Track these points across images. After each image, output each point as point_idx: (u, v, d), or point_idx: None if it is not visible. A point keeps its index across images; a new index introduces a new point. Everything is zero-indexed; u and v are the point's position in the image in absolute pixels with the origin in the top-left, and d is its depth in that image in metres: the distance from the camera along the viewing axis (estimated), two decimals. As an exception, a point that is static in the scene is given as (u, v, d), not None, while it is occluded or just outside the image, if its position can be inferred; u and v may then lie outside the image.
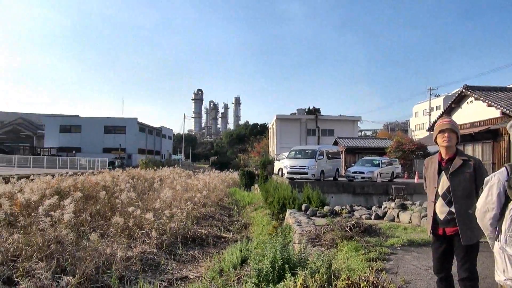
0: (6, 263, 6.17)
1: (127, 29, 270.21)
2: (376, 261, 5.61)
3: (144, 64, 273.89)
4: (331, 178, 21.63)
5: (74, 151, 58.85)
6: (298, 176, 19.92)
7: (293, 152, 22.12)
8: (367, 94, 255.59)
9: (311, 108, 64.47)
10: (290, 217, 10.59)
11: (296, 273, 4.36)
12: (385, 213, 10.46)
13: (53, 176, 16.86)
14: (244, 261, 7.74)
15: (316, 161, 20.01)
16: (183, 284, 6.85)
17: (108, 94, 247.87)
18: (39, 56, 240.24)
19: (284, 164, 21.93)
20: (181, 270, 7.78)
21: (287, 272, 4.33)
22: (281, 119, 48.81)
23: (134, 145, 63.14)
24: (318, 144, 41.80)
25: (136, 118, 65.47)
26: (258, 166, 34.69)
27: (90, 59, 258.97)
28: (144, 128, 69.14)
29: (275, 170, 26.68)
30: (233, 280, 6.42)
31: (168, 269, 7.70)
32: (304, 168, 19.79)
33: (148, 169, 34.74)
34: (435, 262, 3.67)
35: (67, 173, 19.40)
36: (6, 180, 13.94)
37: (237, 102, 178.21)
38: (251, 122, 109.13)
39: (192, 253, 9.13)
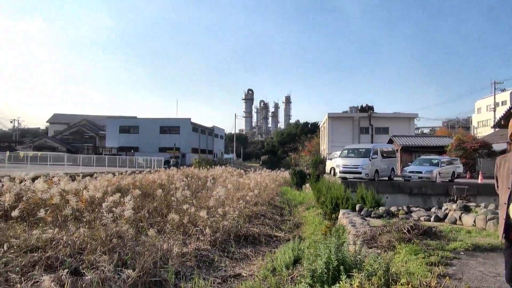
0: (73, 255, 6.58)
1: (180, 32, 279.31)
2: (437, 266, 5.31)
3: (197, 66, 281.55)
4: (386, 178, 20.89)
5: (132, 151, 61.98)
6: (351, 176, 19.46)
7: (346, 151, 21.64)
8: (423, 90, 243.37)
9: (364, 105, 62.75)
10: (344, 217, 10.35)
11: (351, 275, 4.23)
12: (446, 215, 9.90)
13: (114, 174, 17.81)
14: (296, 260, 7.68)
15: (370, 160, 19.42)
16: (236, 282, 6.92)
17: (163, 95, 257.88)
18: (101, 60, 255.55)
19: (336, 163, 21.53)
20: (234, 267, 7.87)
21: (342, 273, 4.22)
22: (332, 117, 47.97)
23: (187, 144, 65.18)
24: (372, 142, 40.59)
25: (190, 119, 67.54)
26: (309, 165, 34.36)
27: (147, 62, 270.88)
28: (197, 128, 71.11)
29: (327, 169, 26.27)
30: (286, 279, 6.39)
31: (222, 266, 7.82)
32: (358, 168, 19.29)
33: (201, 168, 35.65)
34: (508, 270, 3.37)
35: (126, 171, 20.40)
36: (73, 177, 14.93)
37: (288, 101, 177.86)
38: (301, 121, 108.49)
39: (245, 251, 9.22)
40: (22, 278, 5.46)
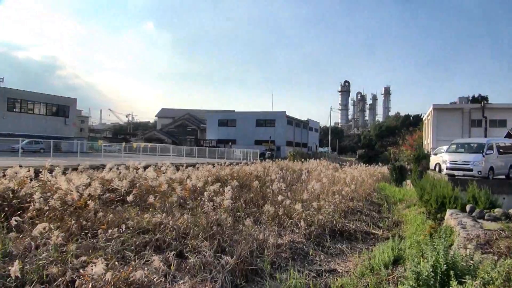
0: (178, 239, 7.11)
1: (276, 26, 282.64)
2: None
3: (292, 59, 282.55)
4: (503, 176, 18.54)
5: (230, 143, 64.85)
6: (460, 173, 17.68)
7: (454, 146, 19.72)
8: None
9: (475, 96, 56.55)
10: (451, 218, 9.45)
11: (463, 282, 3.81)
12: None
13: (213, 165, 18.80)
14: (396, 260, 7.24)
15: (483, 156, 17.42)
16: (331, 277, 6.78)
17: (259, 89, 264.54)
18: (205, 59, 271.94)
19: (442, 158, 19.75)
20: (329, 262, 7.73)
21: (452, 279, 3.82)
22: (438, 109, 44.10)
23: (282, 137, 65.96)
24: (485, 136, 36.44)
25: (285, 112, 68.22)
26: (411, 161, 32.23)
27: (245, 57, 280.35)
28: (292, 121, 71.51)
29: (431, 165, 24.30)
30: (385, 279, 6.05)
31: (316, 260, 7.74)
32: (468, 164, 17.44)
33: (295, 161, 35.76)
34: None
35: (225, 163, 21.37)
36: (177, 167, 16.14)
37: (387, 92, 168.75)
38: (402, 114, 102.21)
39: (340, 246, 9.00)
40: (136, 256, 6.06)
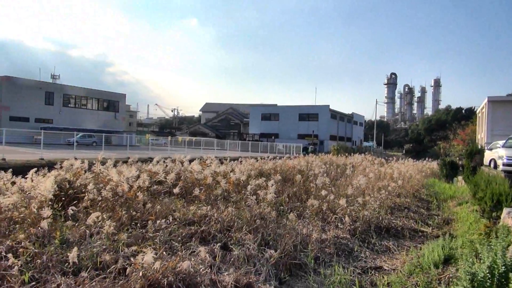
0: (222, 231, 7.24)
1: (318, 19, 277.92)
2: None
3: (335, 52, 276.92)
4: None
5: (273, 137, 64.91)
6: (518, 170, 16.56)
7: (512, 140, 18.49)
8: None
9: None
10: (509, 217, 8.89)
11: (524, 286, 3.57)
12: None
13: (256, 159, 18.90)
14: (446, 260, 6.93)
15: (544, 151, 16.21)
16: (377, 274, 6.61)
17: (302, 82, 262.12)
18: (247, 53, 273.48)
19: (498, 154, 18.57)
20: (374, 259, 7.54)
21: (511, 281, 3.59)
22: (494, 101, 41.44)
23: (326, 131, 65.09)
24: (547, 130, 33.87)
25: (328, 106, 67.22)
26: (463, 156, 30.69)
27: (287, 51, 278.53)
28: (335, 115, 70.33)
29: (485, 161, 22.92)
30: (436, 279, 5.81)
31: (362, 256, 7.57)
32: (527, 160, 16.30)
33: (339, 155, 35.17)
34: None
35: (267, 157, 21.42)
36: (221, 161, 16.38)
37: (437, 84, 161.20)
38: (453, 106, 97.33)
39: (386, 243, 8.74)
40: (182, 247, 6.23)
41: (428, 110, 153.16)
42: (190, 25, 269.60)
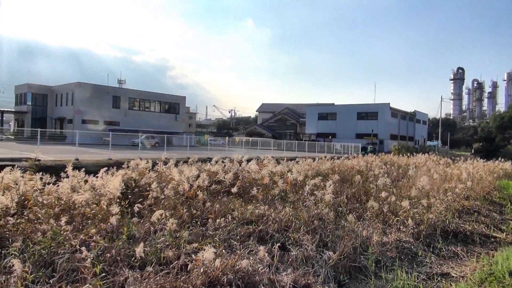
0: (280, 231, 7.25)
1: (374, 15, 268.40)
2: None
3: (394, 48, 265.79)
4: None
5: (330, 137, 63.80)
6: None
7: None
8: None
9: None
10: None
11: None
12: None
13: (313, 159, 18.68)
14: (524, 269, 6.36)
15: None
16: (443, 281, 6.25)
17: (360, 80, 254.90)
18: (303, 53, 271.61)
19: None
20: (441, 265, 7.13)
21: None
22: None
23: (386, 130, 62.71)
24: None
25: (388, 104, 64.72)
26: (542, 156, 28.03)
27: (344, 49, 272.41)
28: (396, 114, 67.51)
29: None
30: (511, 289, 5.37)
31: (426, 261, 7.20)
32: None
33: (401, 155, 33.70)
34: None
35: (325, 157, 21.10)
36: (278, 161, 16.41)
37: (510, 78, 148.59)
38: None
39: (454, 249, 8.22)
40: (241, 245, 6.34)
41: (500, 107, 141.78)
42: (246, 26, 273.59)
